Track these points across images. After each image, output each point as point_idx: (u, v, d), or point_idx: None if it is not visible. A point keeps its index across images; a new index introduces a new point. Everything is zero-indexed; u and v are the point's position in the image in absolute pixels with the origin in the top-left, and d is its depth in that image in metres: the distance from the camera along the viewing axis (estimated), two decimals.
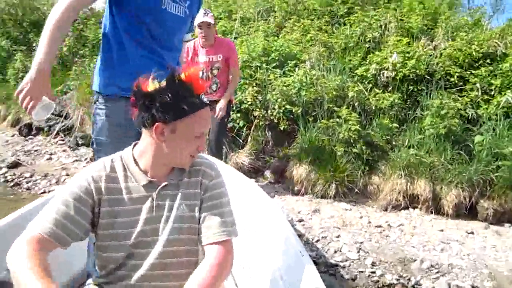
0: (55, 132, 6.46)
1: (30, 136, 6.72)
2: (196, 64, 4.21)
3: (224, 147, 4.78)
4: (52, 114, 7.05)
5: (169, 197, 1.42)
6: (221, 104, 4.11)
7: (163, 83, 1.33)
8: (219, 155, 4.21)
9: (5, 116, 7.63)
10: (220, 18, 7.27)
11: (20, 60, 7.94)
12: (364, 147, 4.57)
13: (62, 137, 6.43)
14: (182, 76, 1.34)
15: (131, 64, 1.91)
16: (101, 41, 2.03)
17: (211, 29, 4.08)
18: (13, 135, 6.85)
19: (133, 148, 1.47)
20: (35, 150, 6.06)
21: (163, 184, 1.42)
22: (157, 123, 1.33)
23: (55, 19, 1.71)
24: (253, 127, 5.19)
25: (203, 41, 4.15)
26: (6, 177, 5.19)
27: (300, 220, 4.05)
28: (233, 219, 1.46)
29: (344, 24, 6.31)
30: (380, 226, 4.01)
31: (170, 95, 1.31)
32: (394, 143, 4.76)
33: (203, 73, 4.21)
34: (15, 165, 5.54)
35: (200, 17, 3.99)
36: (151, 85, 1.33)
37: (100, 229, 1.37)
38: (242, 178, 3.22)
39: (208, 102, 1.42)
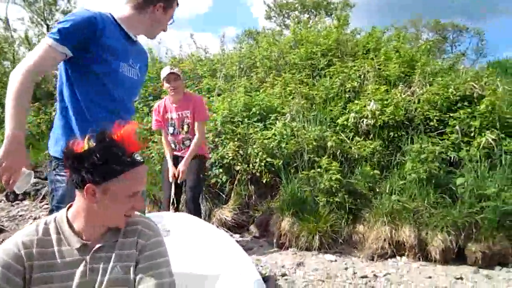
0: (41, 196, 6.43)
1: (17, 201, 6.69)
2: (166, 120, 4.27)
3: (202, 203, 4.74)
4: (39, 178, 7.10)
5: (103, 259, 1.37)
6: (181, 167, 4.13)
7: (93, 143, 1.33)
8: (197, 212, 4.14)
9: None
10: (204, 77, 7.43)
11: None
12: (346, 196, 4.52)
13: (47, 200, 6.39)
14: (114, 135, 1.33)
15: (92, 127, 1.92)
16: (57, 107, 2.04)
17: (178, 82, 4.11)
18: (0, 201, 6.82)
19: (67, 209, 1.44)
20: (20, 215, 6.00)
21: (97, 246, 1.38)
22: (87, 185, 1.31)
23: (16, 85, 1.69)
24: (236, 182, 5.14)
25: (173, 95, 4.16)
26: None
27: (283, 275, 3.92)
28: (171, 280, 1.40)
29: (325, 76, 6.42)
30: (365, 277, 3.87)
31: (98, 156, 1.29)
32: (377, 190, 4.69)
33: (174, 129, 4.26)
34: None
35: (166, 70, 4.09)
36: (86, 145, 1.32)
37: None
38: (219, 234, 3.17)
39: (142, 160, 1.40)
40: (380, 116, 5.13)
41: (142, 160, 1.39)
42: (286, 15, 13.96)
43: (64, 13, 12.03)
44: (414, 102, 5.33)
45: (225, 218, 4.94)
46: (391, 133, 5.13)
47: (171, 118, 4.26)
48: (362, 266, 4.12)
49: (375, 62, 6.17)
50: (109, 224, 1.41)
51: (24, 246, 1.32)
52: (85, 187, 1.32)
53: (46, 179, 6.64)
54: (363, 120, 5.22)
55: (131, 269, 1.38)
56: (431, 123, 5.07)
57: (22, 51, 11.41)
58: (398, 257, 4.25)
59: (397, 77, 5.88)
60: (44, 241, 1.35)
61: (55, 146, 2.00)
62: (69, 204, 1.46)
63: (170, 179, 4.21)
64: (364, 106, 5.30)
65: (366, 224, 4.46)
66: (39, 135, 8.55)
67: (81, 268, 1.35)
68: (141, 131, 5.60)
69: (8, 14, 11.57)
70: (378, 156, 4.96)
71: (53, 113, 8.12)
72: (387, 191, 4.56)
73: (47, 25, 11.45)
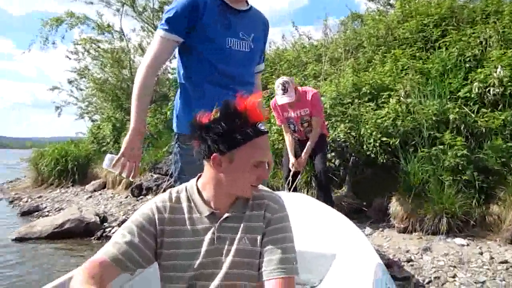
0: (162, 190, 6.78)
1: (141, 196, 7.17)
2: (286, 119, 4.46)
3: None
4: (159, 174, 7.52)
5: (231, 229, 1.39)
6: (302, 158, 4.39)
7: (218, 114, 1.34)
8: (327, 186, 4.40)
9: (120, 180, 8.25)
10: (309, 63, 7.28)
11: None
12: (476, 174, 4.07)
13: None
14: (238, 106, 1.33)
15: (208, 102, 1.93)
16: (178, 88, 2.15)
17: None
18: (126, 197, 7.38)
19: (197, 179, 1.48)
20: None
21: (225, 215, 1.40)
22: (214, 154, 1.33)
23: (139, 81, 1.90)
24: (350, 165, 4.92)
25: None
26: None
27: (409, 260, 3.64)
28: (295, 256, 1.37)
29: (439, 48, 5.89)
30: (506, 262, 3.44)
31: (223, 125, 1.31)
32: None
33: (294, 126, 4.43)
34: None
35: (279, 99, 4.21)
36: (212, 116, 1.35)
37: (163, 260, 1.37)
38: (337, 216, 3.03)
39: (266, 130, 1.39)
40: (509, 83, 4.55)
41: (266, 130, 1.38)
42: None
43: None
44: None
45: (342, 203, 4.74)
46: None
47: (290, 117, 4.41)
48: (500, 251, 3.67)
49: (498, 25, 5.51)
50: (236, 194, 1.42)
51: (158, 210, 1.38)
52: (212, 157, 1.34)
53: (165, 174, 7.00)
54: (489, 90, 4.67)
55: (258, 241, 1.38)
56: None
57: (138, 59, 12.16)
58: None
59: None
60: (175, 208, 1.41)
61: (176, 122, 2.12)
62: (199, 174, 1.49)
63: (290, 167, 4.40)
64: (489, 74, 4.74)
65: (501, 203, 3.98)
66: (157, 134, 9.08)
67: (209, 235, 1.37)
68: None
69: (123, 25, 12.23)
70: (510, 128, 4.40)
71: (168, 113, 8.55)
72: None
73: None
